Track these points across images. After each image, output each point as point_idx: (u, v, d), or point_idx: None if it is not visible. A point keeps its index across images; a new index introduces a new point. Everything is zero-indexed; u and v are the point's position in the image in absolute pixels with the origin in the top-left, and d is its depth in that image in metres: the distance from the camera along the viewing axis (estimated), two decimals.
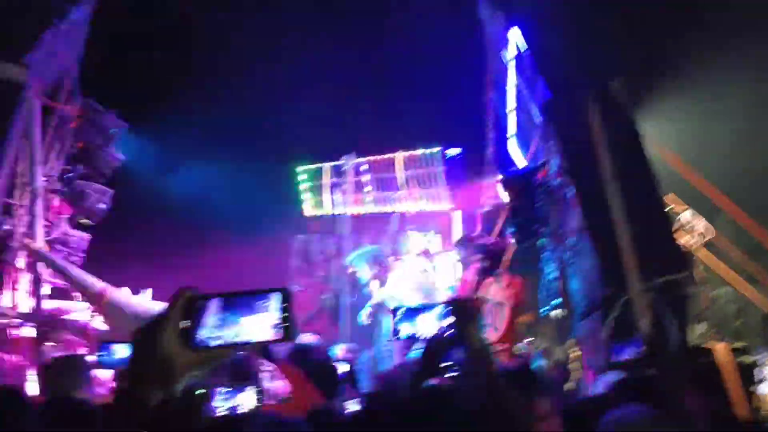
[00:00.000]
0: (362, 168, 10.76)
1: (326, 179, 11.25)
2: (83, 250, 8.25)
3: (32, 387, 5.89)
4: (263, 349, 4.02)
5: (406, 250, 9.19)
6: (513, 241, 7.83)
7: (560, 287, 7.82)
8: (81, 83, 7.83)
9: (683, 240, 7.15)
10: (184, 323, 1.26)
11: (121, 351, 3.77)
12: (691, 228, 7.55)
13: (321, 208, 11.44)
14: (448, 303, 2.43)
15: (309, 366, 4.43)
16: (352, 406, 3.76)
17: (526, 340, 9.99)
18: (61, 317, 6.99)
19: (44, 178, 7.33)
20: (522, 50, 7.62)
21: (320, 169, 11.36)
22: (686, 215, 7.50)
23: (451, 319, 2.33)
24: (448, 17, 10.32)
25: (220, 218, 11.51)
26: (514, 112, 9.19)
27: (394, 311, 2.43)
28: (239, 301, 1.29)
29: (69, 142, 7.78)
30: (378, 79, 11.49)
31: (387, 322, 8.21)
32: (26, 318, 6.98)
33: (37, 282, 7.01)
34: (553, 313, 8.22)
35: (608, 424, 2.32)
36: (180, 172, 11.08)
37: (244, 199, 11.43)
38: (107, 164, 8.02)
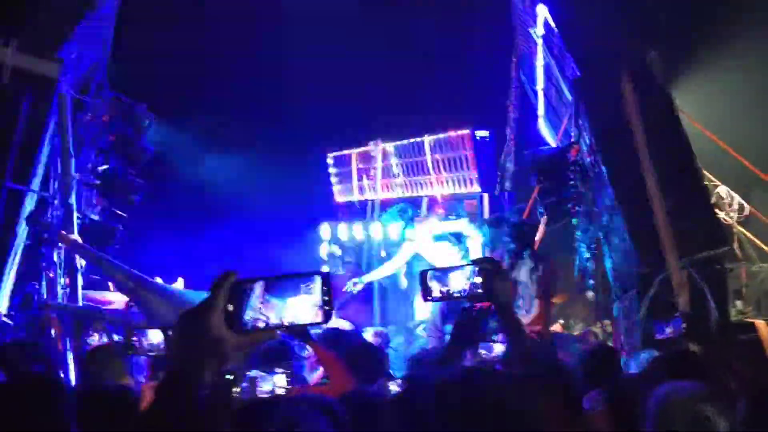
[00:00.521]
0: (390, 153, 10.73)
1: (354, 165, 11.26)
2: (117, 240, 8.38)
3: (73, 376, 6.01)
4: (302, 332, 4.04)
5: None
6: (544, 221, 7.76)
7: (594, 267, 7.75)
8: (110, 76, 7.92)
9: (720, 216, 7.02)
10: (229, 306, 1.28)
11: (156, 337, 3.80)
12: (728, 204, 7.42)
13: (350, 194, 11.46)
14: (475, 262, 2.43)
15: (344, 349, 4.45)
16: (390, 388, 3.77)
17: (559, 322, 9.94)
18: (98, 307, 7.11)
19: (77, 171, 7.43)
20: (551, 26, 7.50)
21: (348, 155, 11.37)
22: (722, 191, 7.36)
23: (479, 279, 2.35)
24: None
25: (250, 206, 11.58)
26: (542, 92, 9.08)
27: (423, 273, 2.43)
28: (283, 284, 1.32)
29: (101, 134, 7.89)
30: (405, 62, 11.42)
31: (421, 305, 8.24)
32: (64, 309, 7.11)
33: (73, 273, 7.13)
34: (588, 293, 8.16)
35: (659, 400, 2.29)
36: (210, 161, 11.16)
37: (273, 187, 11.48)
38: (138, 155, 8.10)
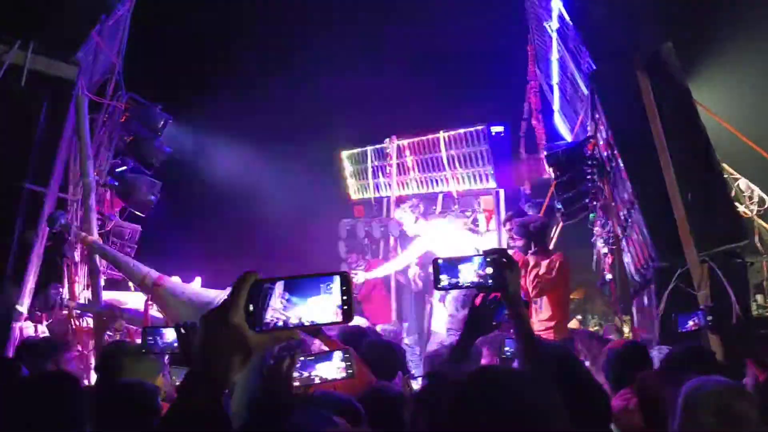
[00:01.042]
0: (405, 150, 10.73)
1: (370, 163, 11.28)
2: (135, 241, 8.46)
3: (94, 375, 6.07)
4: (316, 331, 4.06)
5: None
6: (561, 216, 7.71)
7: (611, 262, 7.70)
8: (125, 78, 7.98)
9: (740, 209, 6.95)
10: (250, 306, 1.29)
11: (170, 335, 3.82)
12: (747, 197, 7.34)
13: (366, 191, 11.47)
14: (486, 253, 2.45)
15: (363, 347, 4.46)
16: (411, 386, 3.77)
17: (576, 317, 9.89)
18: (118, 307, 7.18)
19: (95, 173, 7.50)
20: (565, 20, 7.44)
21: (364, 152, 11.39)
22: (742, 183, 7.29)
23: (490, 270, 2.38)
24: None
25: (265, 205, 11.64)
26: (558, 86, 9.03)
27: (435, 261, 2.45)
28: (302, 284, 1.33)
29: (117, 136, 7.95)
30: (418, 59, 11.41)
31: (439, 308, 8.23)
32: (85, 309, 7.19)
33: (94, 274, 7.20)
34: (605, 288, 8.11)
35: (688, 395, 2.27)
36: (225, 161, 11.21)
37: (289, 185, 11.52)
38: (155, 156, 8.15)
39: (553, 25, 8.09)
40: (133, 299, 7.51)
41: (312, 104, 11.59)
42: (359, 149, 11.47)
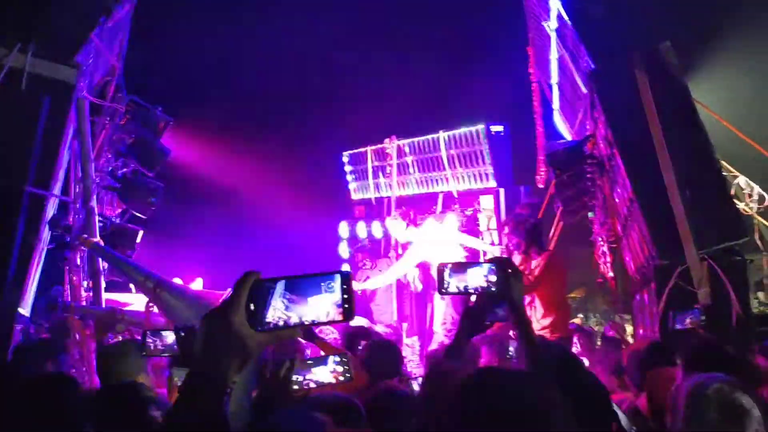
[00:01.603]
0: (405, 150, 10.73)
1: (370, 163, 11.28)
2: (136, 243, 8.46)
3: (95, 377, 6.08)
4: (307, 332, 4.08)
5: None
6: (560, 215, 7.72)
7: (611, 260, 7.71)
8: (126, 80, 7.99)
9: (739, 206, 6.96)
10: (251, 306, 1.30)
11: (169, 338, 3.83)
12: (747, 194, 7.35)
13: (366, 192, 11.48)
14: (492, 261, 2.46)
15: (365, 347, 4.47)
16: (410, 386, 3.78)
17: (578, 316, 9.89)
18: (120, 309, 7.18)
19: (97, 175, 7.51)
20: (564, 19, 7.45)
21: (364, 152, 11.39)
22: (741, 181, 7.30)
23: (493, 277, 2.39)
24: None
25: (266, 206, 11.64)
26: (557, 85, 9.03)
27: (441, 267, 2.45)
28: (303, 283, 1.34)
29: (118, 138, 7.96)
30: (419, 59, 11.40)
31: (439, 308, 8.22)
32: (86, 311, 7.19)
33: (95, 276, 7.21)
34: (605, 287, 8.12)
35: (691, 391, 2.27)
36: (225, 162, 11.22)
37: (289, 186, 11.53)
38: (156, 158, 8.16)
39: (551, 24, 8.10)
40: (134, 301, 7.53)
41: (312, 104, 11.60)
42: (359, 149, 11.47)
